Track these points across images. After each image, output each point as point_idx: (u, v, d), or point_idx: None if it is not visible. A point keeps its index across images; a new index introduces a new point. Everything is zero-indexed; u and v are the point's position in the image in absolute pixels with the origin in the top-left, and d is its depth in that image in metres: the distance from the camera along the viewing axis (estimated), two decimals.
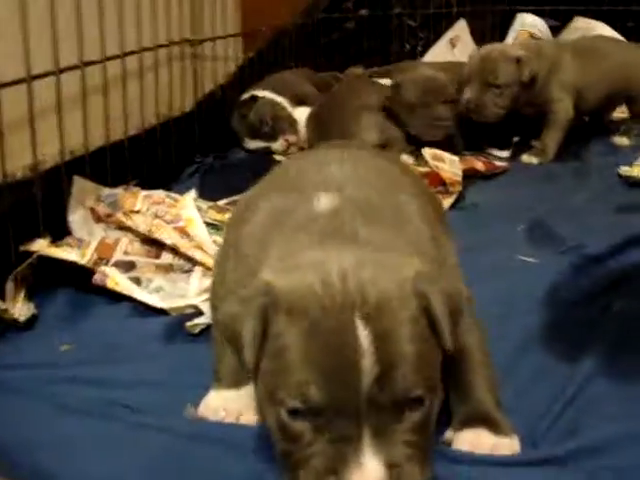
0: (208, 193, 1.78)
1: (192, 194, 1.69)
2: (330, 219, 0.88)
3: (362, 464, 0.72)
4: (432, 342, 0.78)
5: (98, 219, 1.59)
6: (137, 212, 1.58)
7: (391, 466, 0.72)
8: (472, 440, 0.89)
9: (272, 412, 0.77)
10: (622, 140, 2.34)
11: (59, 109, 1.43)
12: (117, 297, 1.32)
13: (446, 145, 2.05)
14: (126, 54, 1.64)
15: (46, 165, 1.43)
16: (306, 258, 0.82)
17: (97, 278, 1.31)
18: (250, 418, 0.95)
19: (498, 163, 2.12)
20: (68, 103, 1.46)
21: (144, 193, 1.64)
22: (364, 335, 0.73)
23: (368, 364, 0.72)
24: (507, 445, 0.88)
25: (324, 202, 0.91)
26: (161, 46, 1.83)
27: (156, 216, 1.55)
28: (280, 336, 0.76)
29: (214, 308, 1.09)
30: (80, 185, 1.56)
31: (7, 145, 1.30)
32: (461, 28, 3.19)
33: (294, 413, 0.74)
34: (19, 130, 1.34)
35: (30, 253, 1.33)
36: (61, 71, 1.40)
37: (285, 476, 0.77)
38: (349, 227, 0.87)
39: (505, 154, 2.25)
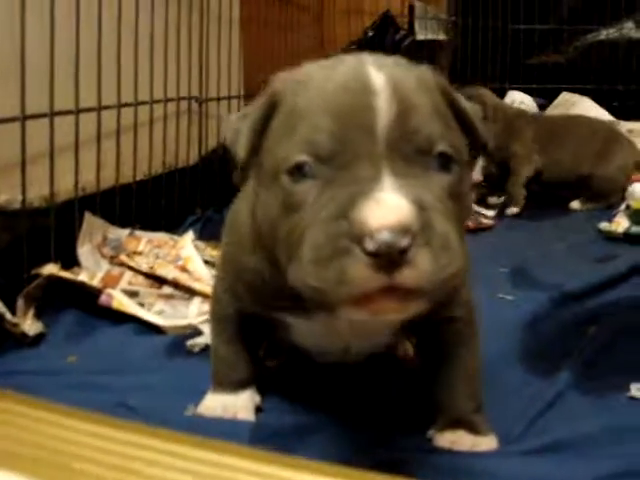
0: (207, 239, 1.86)
1: (190, 235, 1.78)
2: None
3: (381, 198, 0.60)
4: (456, 127, 0.73)
5: (103, 256, 1.68)
6: (139, 253, 1.67)
7: (419, 206, 0.61)
8: (452, 439, 0.93)
9: (272, 191, 0.70)
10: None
11: (76, 147, 1.54)
12: (121, 320, 1.40)
13: None
14: (139, 103, 1.77)
15: (61, 198, 1.53)
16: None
17: (103, 299, 1.39)
18: (247, 415, 1.00)
19: (484, 220, 2.23)
20: (84, 143, 1.57)
21: (147, 237, 1.74)
22: (379, 78, 0.67)
23: (384, 103, 0.65)
24: (485, 443, 0.93)
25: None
26: (170, 100, 1.96)
27: (157, 257, 1.65)
28: (287, 105, 0.71)
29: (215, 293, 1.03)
30: (90, 221, 1.65)
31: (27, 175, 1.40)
32: None
33: (299, 172, 0.66)
34: (39, 162, 1.45)
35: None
36: (80, 111, 1.52)
37: (292, 267, 0.67)
38: None
39: (491, 213, 2.37)
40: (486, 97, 2.52)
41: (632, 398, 1.07)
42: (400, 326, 0.93)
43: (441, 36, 3.53)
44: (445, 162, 0.67)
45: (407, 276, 0.60)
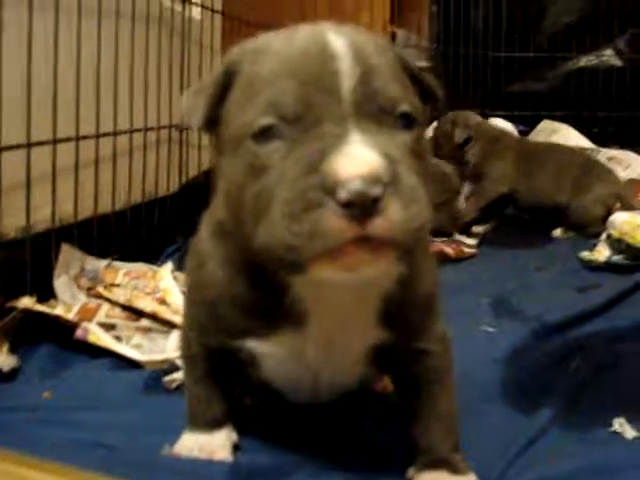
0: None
1: (169, 266, 1.75)
2: None
3: (351, 151, 0.63)
4: (412, 89, 0.76)
5: (80, 287, 1.65)
6: (117, 285, 1.65)
7: (387, 159, 0.63)
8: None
9: (236, 158, 0.70)
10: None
11: (53, 177, 1.52)
12: (98, 354, 1.37)
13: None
14: (117, 133, 1.75)
15: (37, 229, 1.51)
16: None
17: (79, 333, 1.36)
18: (224, 455, 0.97)
19: (467, 249, 2.23)
20: (62, 173, 1.56)
21: (125, 269, 1.71)
22: (339, 42, 0.70)
23: (346, 65, 0.68)
24: None
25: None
26: (150, 129, 1.94)
27: (135, 288, 1.62)
28: (246, 73, 0.73)
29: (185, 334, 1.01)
30: (67, 252, 1.63)
31: (3, 205, 1.38)
32: None
33: (264, 136, 0.67)
34: (15, 193, 1.43)
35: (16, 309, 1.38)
36: (57, 141, 1.50)
37: (261, 228, 0.67)
38: None
39: (473, 242, 2.37)
40: (469, 119, 2.55)
41: (615, 433, 1.06)
42: (371, 356, 0.90)
43: (422, 63, 3.56)
44: (407, 121, 0.70)
45: (379, 225, 0.62)
